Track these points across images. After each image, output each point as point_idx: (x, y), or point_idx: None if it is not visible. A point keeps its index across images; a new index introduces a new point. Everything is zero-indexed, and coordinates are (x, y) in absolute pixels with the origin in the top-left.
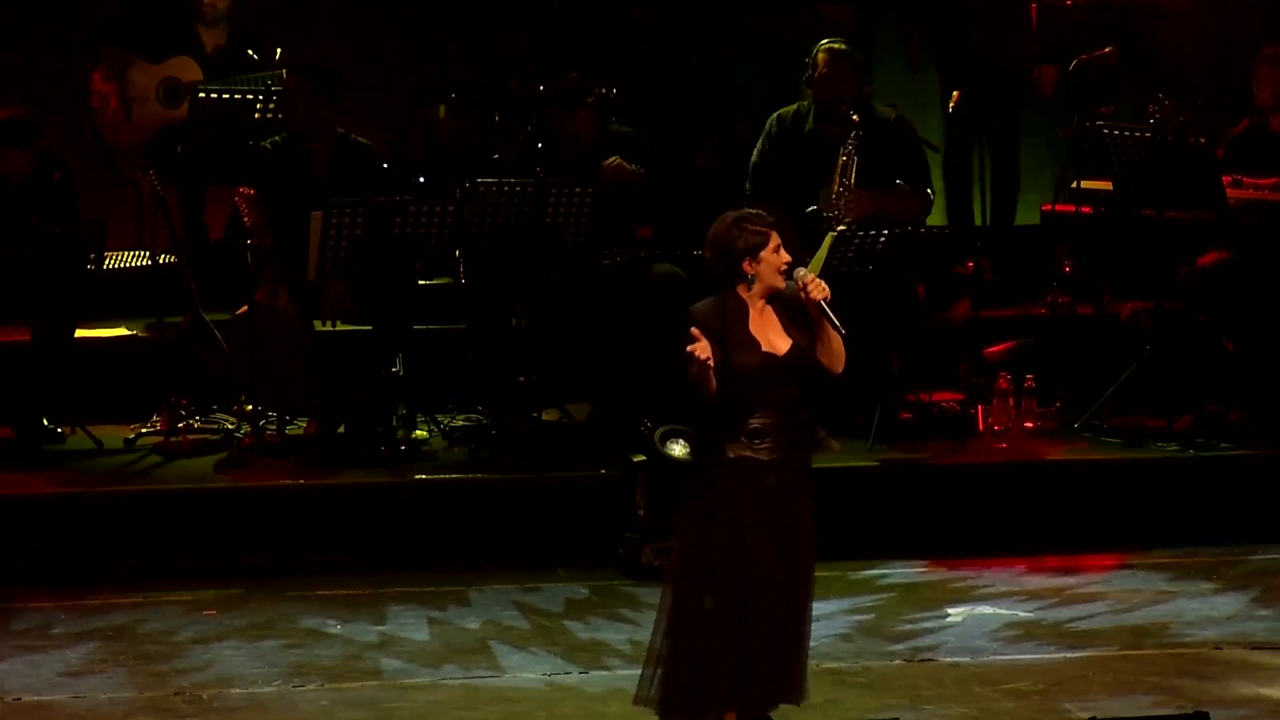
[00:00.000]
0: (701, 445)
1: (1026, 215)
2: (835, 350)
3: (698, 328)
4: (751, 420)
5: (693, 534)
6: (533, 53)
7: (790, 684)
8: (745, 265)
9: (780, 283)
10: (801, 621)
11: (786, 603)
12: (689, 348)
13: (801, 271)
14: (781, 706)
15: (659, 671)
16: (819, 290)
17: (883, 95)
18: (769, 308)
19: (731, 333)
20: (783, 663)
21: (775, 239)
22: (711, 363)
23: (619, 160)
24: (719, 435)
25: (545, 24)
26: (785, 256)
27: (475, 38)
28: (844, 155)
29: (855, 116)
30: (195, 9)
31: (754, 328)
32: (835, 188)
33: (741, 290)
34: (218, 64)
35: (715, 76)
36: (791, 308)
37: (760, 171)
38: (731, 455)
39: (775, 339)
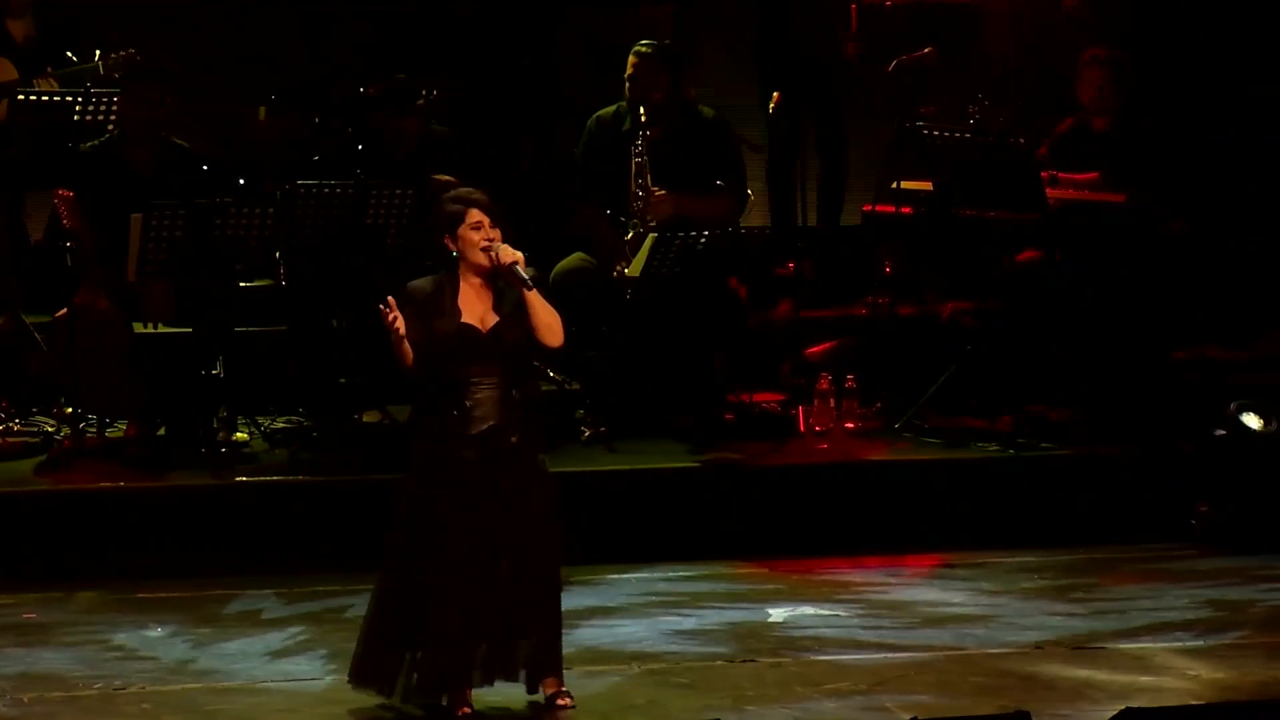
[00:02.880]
0: (412, 418)
1: (848, 216)
2: (544, 321)
3: (406, 301)
4: (456, 395)
5: (399, 507)
6: (354, 53)
7: (508, 665)
8: (446, 240)
9: (482, 260)
10: (534, 602)
11: (510, 582)
12: (387, 322)
13: (498, 244)
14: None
15: (358, 641)
16: (508, 255)
17: (705, 97)
18: (486, 286)
19: (437, 306)
20: (500, 642)
21: (474, 215)
22: (401, 331)
23: (449, 179)
24: (426, 407)
25: (367, 24)
26: (487, 233)
27: (296, 38)
28: (637, 158)
29: (644, 118)
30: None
31: (462, 301)
32: (633, 191)
33: (458, 268)
34: (31, 55)
35: (538, 77)
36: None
37: (580, 173)
38: (435, 428)
39: (485, 315)
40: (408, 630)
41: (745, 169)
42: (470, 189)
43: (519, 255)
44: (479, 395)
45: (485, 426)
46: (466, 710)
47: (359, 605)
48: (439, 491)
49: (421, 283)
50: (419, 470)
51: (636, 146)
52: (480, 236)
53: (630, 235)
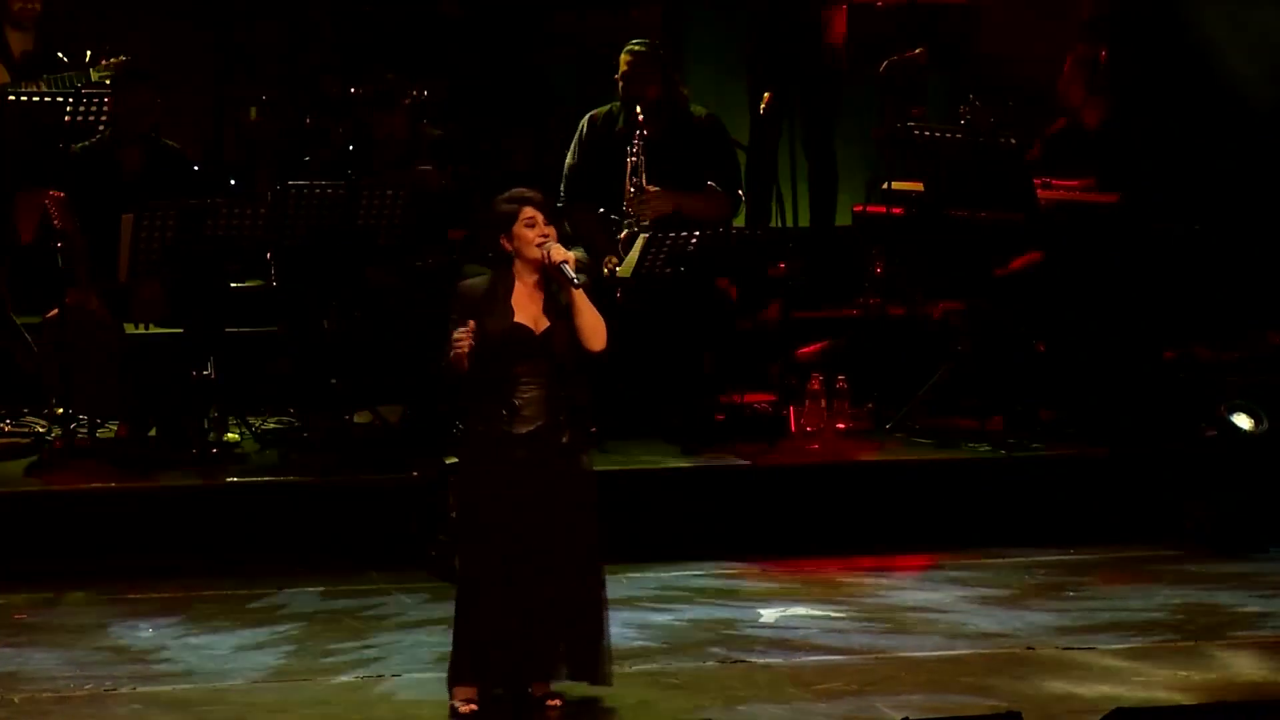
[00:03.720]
0: (464, 419)
1: (839, 216)
2: (588, 323)
3: (459, 300)
4: (506, 394)
5: (461, 507)
6: (344, 53)
7: (579, 661)
8: (501, 240)
9: (537, 255)
10: (580, 599)
11: (558, 580)
12: (455, 334)
13: (550, 242)
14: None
15: (452, 645)
16: (558, 254)
17: (694, 97)
18: (540, 286)
19: (490, 305)
20: (559, 639)
21: (527, 212)
22: (465, 350)
23: (433, 168)
24: (476, 409)
25: (356, 24)
26: (542, 230)
27: (287, 39)
28: (631, 156)
29: (641, 116)
30: (6, 11)
31: (515, 302)
32: (627, 189)
33: (512, 267)
34: (25, 68)
35: (528, 77)
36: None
37: (573, 173)
38: (484, 428)
39: (537, 315)
40: (489, 627)
41: (739, 169)
42: (524, 189)
43: (569, 255)
44: (528, 394)
45: (534, 426)
46: (473, 708)
47: (351, 605)
48: (492, 493)
49: (474, 282)
50: (469, 470)
51: (632, 145)
52: (535, 234)
53: (624, 233)
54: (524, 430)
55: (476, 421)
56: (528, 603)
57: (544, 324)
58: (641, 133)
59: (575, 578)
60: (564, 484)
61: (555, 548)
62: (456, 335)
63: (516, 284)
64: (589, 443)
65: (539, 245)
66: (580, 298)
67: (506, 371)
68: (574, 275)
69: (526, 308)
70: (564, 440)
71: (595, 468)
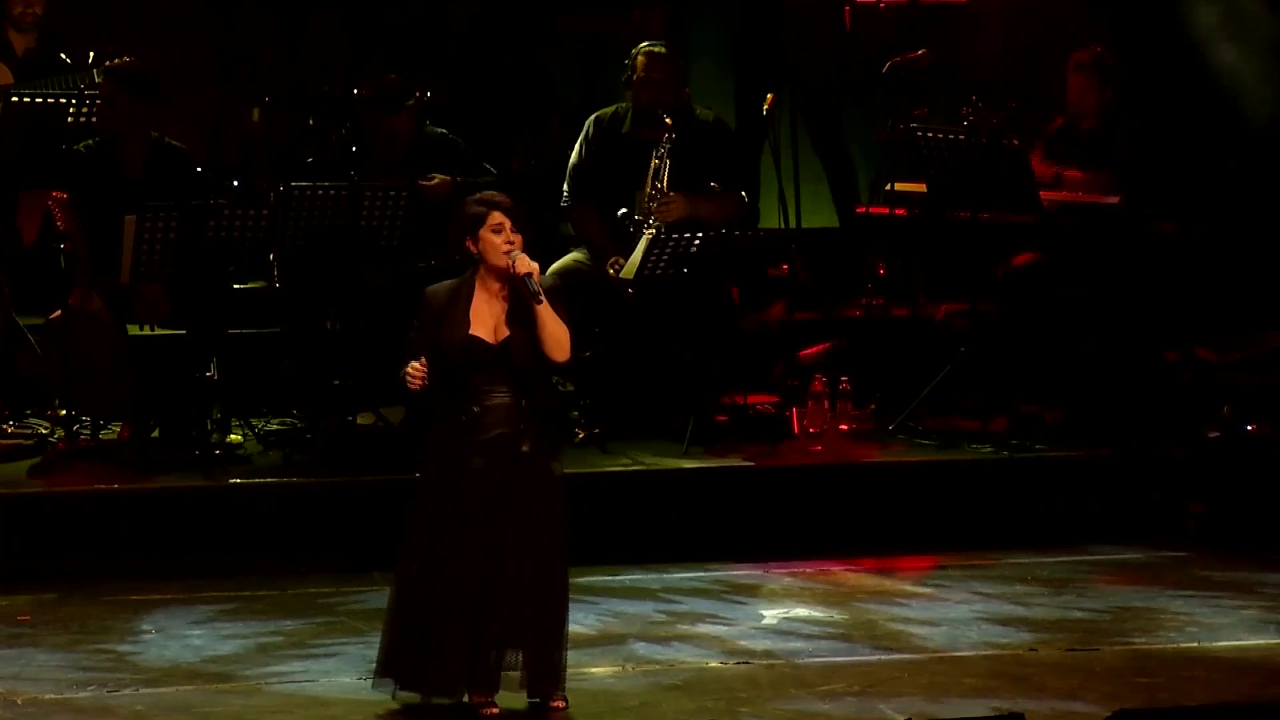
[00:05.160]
0: (424, 424)
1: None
2: (551, 335)
3: (424, 307)
4: (465, 401)
5: (412, 509)
6: (347, 54)
7: (534, 673)
8: (467, 244)
9: (502, 262)
10: (537, 611)
11: (513, 591)
12: (408, 369)
13: (516, 252)
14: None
15: (381, 639)
16: (524, 265)
17: (695, 98)
18: (503, 293)
19: (450, 312)
20: (508, 649)
21: (495, 217)
22: (415, 387)
23: (440, 178)
24: (435, 414)
25: (359, 25)
26: (509, 237)
27: (289, 39)
28: (656, 159)
29: (668, 120)
30: (8, 14)
31: (474, 310)
32: (648, 190)
33: (477, 271)
34: (27, 67)
35: (530, 78)
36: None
37: (577, 173)
38: (443, 435)
39: (497, 326)
40: (425, 630)
41: (744, 171)
42: (493, 192)
43: (534, 267)
44: (489, 403)
45: (494, 434)
46: (494, 710)
47: (352, 606)
48: (449, 498)
49: (439, 287)
50: (429, 475)
51: (657, 150)
52: (501, 240)
53: (645, 236)
54: (483, 438)
55: (438, 428)
56: (472, 611)
57: (503, 333)
58: (670, 135)
59: (533, 590)
60: (524, 493)
61: (511, 558)
62: (409, 370)
63: (478, 290)
64: (556, 450)
65: (505, 254)
66: (543, 310)
67: (466, 381)
68: (537, 289)
69: (486, 317)
70: (524, 449)
71: (599, 469)
